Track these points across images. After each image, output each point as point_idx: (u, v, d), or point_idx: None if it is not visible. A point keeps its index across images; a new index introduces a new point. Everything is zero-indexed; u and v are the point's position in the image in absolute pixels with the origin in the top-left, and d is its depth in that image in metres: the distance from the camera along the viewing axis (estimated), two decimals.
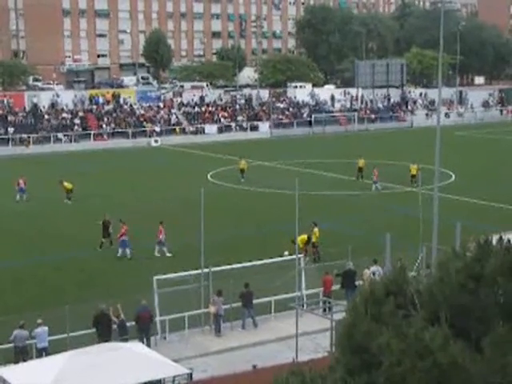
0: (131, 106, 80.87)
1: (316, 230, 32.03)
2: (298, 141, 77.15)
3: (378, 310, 6.61)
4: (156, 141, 75.30)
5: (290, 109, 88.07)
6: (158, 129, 77.59)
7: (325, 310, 24.84)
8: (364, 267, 26.50)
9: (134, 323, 22.65)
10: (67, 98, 79.57)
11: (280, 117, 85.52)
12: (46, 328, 21.44)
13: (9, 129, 71.70)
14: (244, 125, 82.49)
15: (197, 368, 20.28)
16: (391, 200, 44.79)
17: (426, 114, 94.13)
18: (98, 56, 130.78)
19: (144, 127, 77.30)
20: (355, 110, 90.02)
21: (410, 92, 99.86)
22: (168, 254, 32.55)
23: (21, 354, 21.03)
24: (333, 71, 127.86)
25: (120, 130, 75.95)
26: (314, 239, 31.81)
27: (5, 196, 45.43)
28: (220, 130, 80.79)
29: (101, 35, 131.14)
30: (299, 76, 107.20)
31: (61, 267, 31.09)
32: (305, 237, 31.18)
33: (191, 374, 17.99)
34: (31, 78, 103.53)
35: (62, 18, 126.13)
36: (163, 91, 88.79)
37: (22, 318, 21.81)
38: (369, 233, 35.19)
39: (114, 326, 22.28)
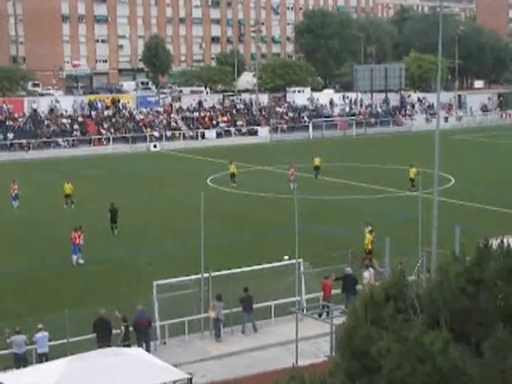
0: (130, 111, 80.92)
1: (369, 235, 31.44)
2: (297, 145, 77.13)
3: (378, 315, 6.60)
4: (155, 146, 75.30)
5: (289, 113, 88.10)
6: (157, 134, 77.62)
7: (320, 315, 24.73)
8: (362, 272, 26.50)
9: (132, 329, 22.59)
10: (66, 103, 79.62)
11: (279, 121, 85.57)
12: (47, 333, 21.39)
13: (8, 134, 71.71)
14: (243, 129, 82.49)
15: (197, 373, 20.27)
16: (390, 204, 44.77)
17: (426, 119, 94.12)
18: (97, 61, 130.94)
19: (143, 132, 77.34)
20: (354, 115, 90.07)
21: (409, 96, 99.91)
22: (74, 263, 31.83)
23: (20, 361, 20.97)
24: (332, 76, 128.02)
25: (119, 135, 75.97)
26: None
27: (4, 201, 45.36)
28: (219, 135, 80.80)
29: (100, 41, 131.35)
30: (298, 80, 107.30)
31: (61, 272, 31.06)
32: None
33: (191, 379, 17.96)
34: (30, 83, 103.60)
35: (61, 23, 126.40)
36: (162, 96, 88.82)
37: (22, 323, 21.80)
38: None
39: (118, 331, 22.21)
